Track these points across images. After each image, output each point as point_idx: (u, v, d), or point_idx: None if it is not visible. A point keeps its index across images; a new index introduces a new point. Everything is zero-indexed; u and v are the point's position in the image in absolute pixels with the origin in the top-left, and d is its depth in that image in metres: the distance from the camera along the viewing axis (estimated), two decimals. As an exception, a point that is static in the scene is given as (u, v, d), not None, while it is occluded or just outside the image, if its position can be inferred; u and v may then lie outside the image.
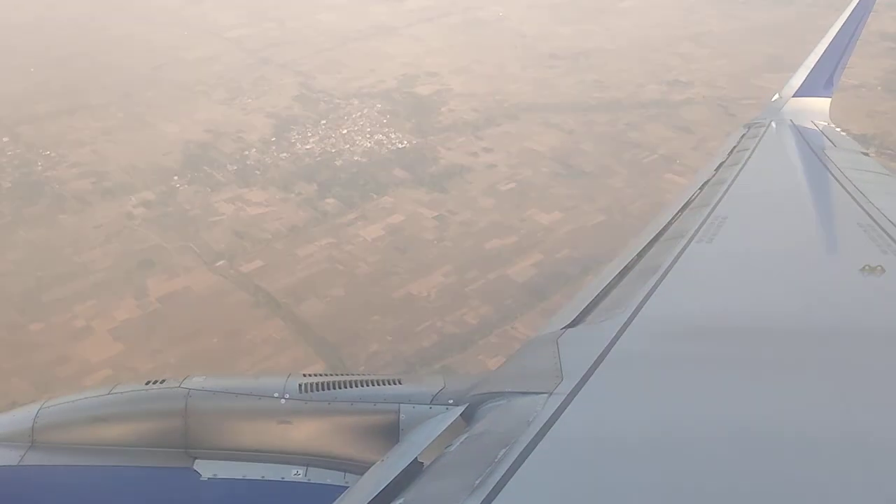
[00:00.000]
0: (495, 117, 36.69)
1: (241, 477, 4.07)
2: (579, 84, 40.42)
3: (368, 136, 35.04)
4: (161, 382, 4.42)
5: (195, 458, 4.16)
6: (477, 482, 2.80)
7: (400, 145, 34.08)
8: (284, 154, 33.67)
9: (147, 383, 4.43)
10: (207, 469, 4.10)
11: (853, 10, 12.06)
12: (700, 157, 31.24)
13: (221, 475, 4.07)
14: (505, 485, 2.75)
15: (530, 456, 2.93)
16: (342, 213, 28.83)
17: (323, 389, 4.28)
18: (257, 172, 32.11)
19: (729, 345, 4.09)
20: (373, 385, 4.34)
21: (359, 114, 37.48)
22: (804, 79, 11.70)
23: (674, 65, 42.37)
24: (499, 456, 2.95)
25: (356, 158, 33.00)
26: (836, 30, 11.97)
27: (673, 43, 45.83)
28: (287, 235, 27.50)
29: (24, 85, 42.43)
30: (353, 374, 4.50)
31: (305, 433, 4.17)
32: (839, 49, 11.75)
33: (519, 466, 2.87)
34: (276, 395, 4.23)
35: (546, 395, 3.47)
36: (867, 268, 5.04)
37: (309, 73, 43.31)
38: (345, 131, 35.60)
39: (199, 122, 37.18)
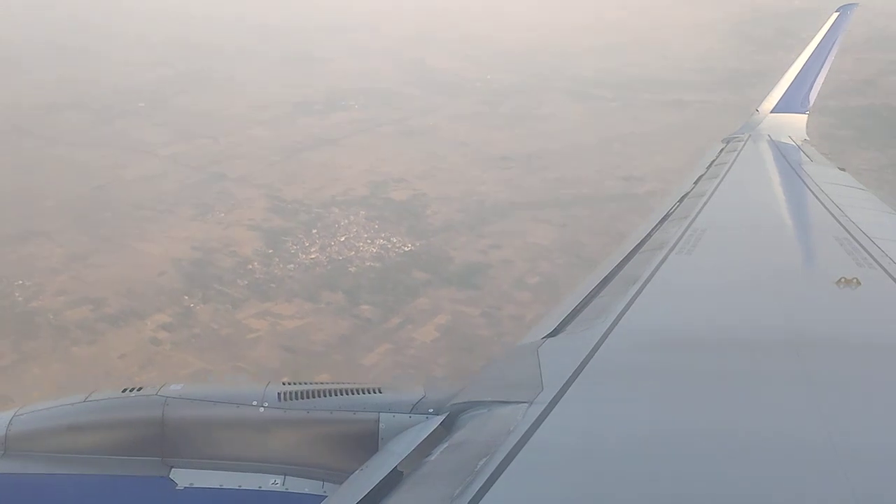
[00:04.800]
0: (484, 217, 37.64)
1: (218, 486, 4.03)
2: (543, 182, 42.55)
3: (369, 241, 34.66)
4: (138, 390, 4.35)
5: (171, 466, 4.10)
6: (457, 492, 2.81)
7: (405, 248, 33.96)
8: (291, 265, 32.44)
9: (124, 391, 4.37)
10: (184, 478, 4.03)
11: (828, 30, 12.62)
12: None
13: (198, 484, 4.01)
14: (485, 494, 2.76)
15: (510, 465, 2.95)
16: (385, 318, 28.05)
17: (302, 398, 4.25)
18: (272, 285, 30.61)
19: (707, 355, 4.18)
20: (352, 394, 4.32)
21: (346, 221, 37.04)
22: (781, 95, 12.17)
23: (617, 163, 45.79)
24: (479, 465, 2.97)
25: (369, 264, 32.44)
26: (813, 48, 12.49)
27: (604, 144, 49.67)
28: (340, 346, 26.27)
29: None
30: (332, 383, 4.50)
31: (284, 442, 4.13)
32: (815, 67, 12.31)
33: (499, 476, 2.87)
34: (254, 403, 4.19)
35: (526, 405, 3.48)
36: (843, 280, 5.11)
37: (271, 185, 42.36)
38: (342, 239, 34.99)
39: (179, 240, 35.02)
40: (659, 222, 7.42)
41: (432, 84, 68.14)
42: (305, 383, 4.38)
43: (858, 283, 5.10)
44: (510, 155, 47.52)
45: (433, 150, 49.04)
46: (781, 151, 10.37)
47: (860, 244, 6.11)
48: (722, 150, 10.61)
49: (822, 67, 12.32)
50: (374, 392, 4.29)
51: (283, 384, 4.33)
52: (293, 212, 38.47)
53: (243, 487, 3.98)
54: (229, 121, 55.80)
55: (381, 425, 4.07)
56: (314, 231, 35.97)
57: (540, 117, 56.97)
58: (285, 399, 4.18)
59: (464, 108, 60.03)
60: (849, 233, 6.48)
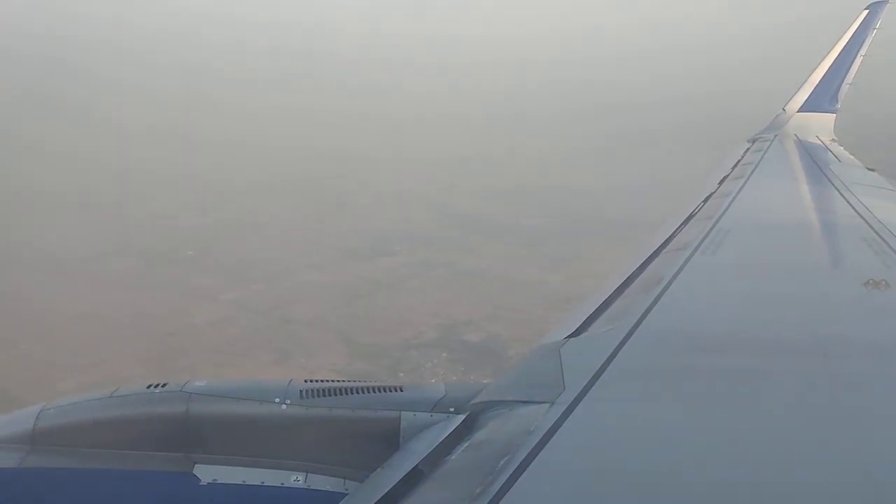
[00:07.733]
0: (565, 358, 37.70)
1: (240, 482, 4.07)
2: (612, 322, 42.98)
3: (460, 385, 34.52)
4: (163, 386, 4.51)
5: (195, 462, 4.18)
6: (478, 491, 2.82)
7: (499, 391, 33.79)
8: (389, 410, 32.05)
9: (149, 387, 4.52)
10: (207, 474, 4.10)
11: (858, 28, 12.50)
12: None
13: (221, 480, 4.07)
14: (505, 494, 2.77)
15: (531, 465, 2.96)
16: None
17: (324, 395, 4.35)
18: (376, 431, 30.11)
19: (731, 357, 4.17)
20: (374, 392, 4.38)
21: (430, 364, 37.07)
22: (809, 94, 12.11)
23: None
24: (500, 465, 2.99)
25: (467, 408, 32.12)
26: (841, 47, 12.35)
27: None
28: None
29: (23, 364, 37.70)
30: (354, 381, 4.60)
31: (306, 439, 4.16)
32: (844, 65, 12.23)
33: (520, 475, 2.90)
34: (276, 400, 4.25)
35: (547, 405, 3.50)
36: (871, 282, 5.07)
37: (343, 329, 42.51)
38: (433, 381, 34.77)
39: (266, 386, 34.68)
40: (683, 222, 7.46)
41: (469, 227, 69.98)
42: (327, 381, 4.47)
43: (887, 284, 5.04)
44: (568, 295, 48.18)
45: (491, 290, 49.79)
46: (808, 151, 10.37)
47: (889, 245, 6.11)
48: (747, 149, 10.57)
49: (850, 66, 12.30)
50: (396, 390, 4.36)
51: (306, 382, 4.45)
52: (374, 356, 38.48)
53: (266, 483, 4.03)
54: (279, 266, 56.60)
55: (402, 423, 4.11)
56: (401, 374, 35.85)
57: (585, 258, 58.26)
58: (307, 396, 4.26)
59: (506, 250, 61.45)
60: (877, 234, 6.46)
